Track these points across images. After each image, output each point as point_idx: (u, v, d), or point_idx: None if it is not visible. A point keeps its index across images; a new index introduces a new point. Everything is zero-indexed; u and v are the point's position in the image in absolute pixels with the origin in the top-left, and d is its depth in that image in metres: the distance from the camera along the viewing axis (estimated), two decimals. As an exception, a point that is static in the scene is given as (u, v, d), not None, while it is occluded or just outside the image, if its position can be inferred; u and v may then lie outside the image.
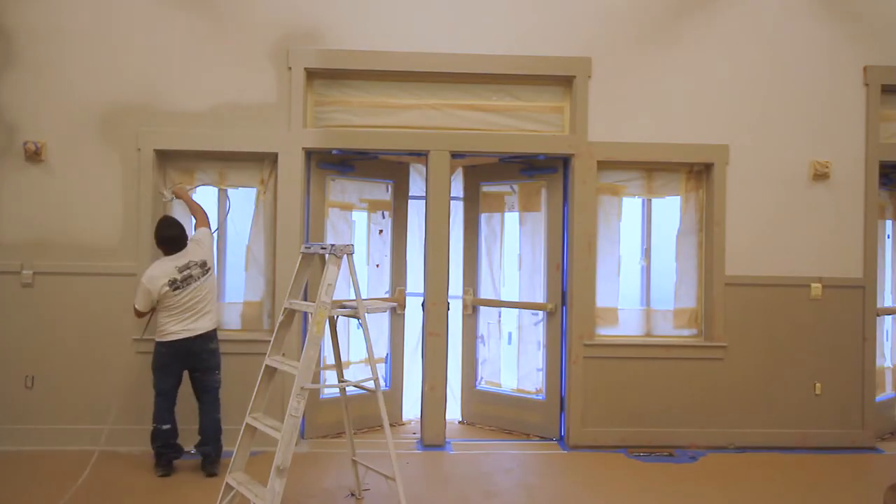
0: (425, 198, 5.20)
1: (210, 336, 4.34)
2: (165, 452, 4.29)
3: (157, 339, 4.29)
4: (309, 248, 3.68)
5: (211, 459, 4.32)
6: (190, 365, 4.33)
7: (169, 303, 4.22)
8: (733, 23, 5.08)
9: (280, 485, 3.22)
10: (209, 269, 4.36)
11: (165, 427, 4.27)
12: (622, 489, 4.20)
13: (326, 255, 3.51)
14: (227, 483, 3.53)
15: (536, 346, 5.35)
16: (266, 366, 3.64)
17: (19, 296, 4.73)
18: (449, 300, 5.07)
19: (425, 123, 5.04)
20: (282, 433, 3.27)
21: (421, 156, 5.16)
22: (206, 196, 5.06)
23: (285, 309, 3.68)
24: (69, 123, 4.78)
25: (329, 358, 5.16)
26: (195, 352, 4.28)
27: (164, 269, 4.25)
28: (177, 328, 4.23)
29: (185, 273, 4.25)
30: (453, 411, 5.54)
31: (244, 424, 3.63)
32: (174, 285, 4.21)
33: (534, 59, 4.98)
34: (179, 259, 4.29)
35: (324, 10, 4.91)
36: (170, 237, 4.33)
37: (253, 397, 3.67)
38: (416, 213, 5.79)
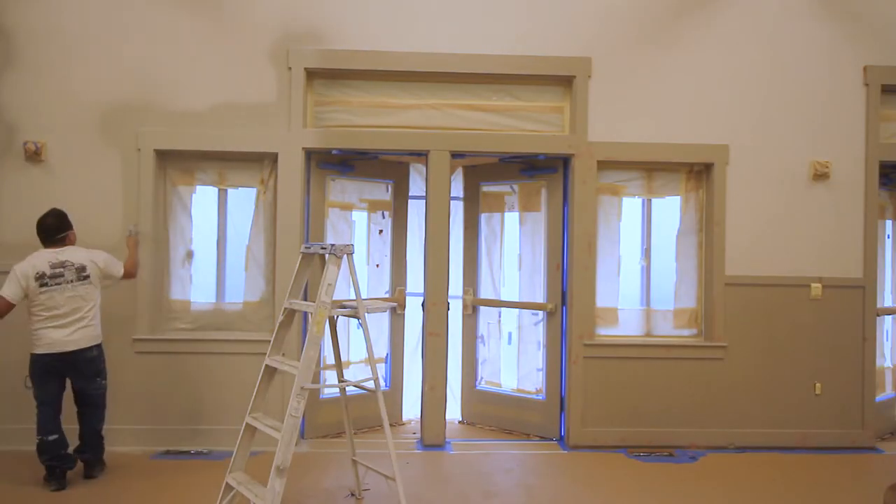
0: (425, 198, 5.20)
1: (87, 348, 4.09)
2: (56, 465, 4.03)
3: (32, 351, 4.05)
4: (309, 247, 3.67)
5: (90, 464, 4.19)
6: (68, 374, 4.11)
7: (37, 301, 3.98)
8: (733, 23, 5.08)
9: (280, 484, 3.22)
10: (88, 276, 4.08)
11: (52, 438, 4.01)
12: (622, 489, 4.20)
13: (326, 255, 3.51)
14: (226, 483, 3.53)
15: (536, 346, 5.35)
16: (266, 366, 3.64)
17: (19, 296, 4.73)
18: (449, 300, 5.07)
19: (425, 123, 5.04)
20: (282, 433, 3.27)
21: (421, 156, 5.16)
22: (206, 196, 5.06)
23: (285, 309, 3.68)
24: (69, 123, 4.78)
25: (329, 358, 5.16)
26: (70, 362, 4.04)
27: (36, 261, 4.01)
28: (53, 337, 3.98)
29: (56, 270, 3.99)
30: (453, 411, 5.54)
31: (244, 424, 3.62)
32: (41, 280, 3.95)
33: (534, 59, 4.98)
34: (57, 255, 4.05)
35: (324, 10, 4.91)
36: (41, 224, 4.11)
37: (253, 397, 3.67)
38: (416, 213, 5.79)
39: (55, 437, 4.03)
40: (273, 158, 4.92)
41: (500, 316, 5.56)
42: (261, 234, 5.01)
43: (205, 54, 4.85)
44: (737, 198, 5.07)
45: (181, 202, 5.00)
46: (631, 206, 5.28)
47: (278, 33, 4.88)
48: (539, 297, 5.32)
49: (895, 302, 5.67)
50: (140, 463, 4.49)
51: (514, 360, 5.48)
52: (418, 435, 5.17)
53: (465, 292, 5.63)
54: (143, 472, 4.32)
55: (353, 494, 4.00)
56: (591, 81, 5.02)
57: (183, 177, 4.99)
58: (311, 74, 4.96)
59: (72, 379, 4.15)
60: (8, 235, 4.76)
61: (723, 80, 5.07)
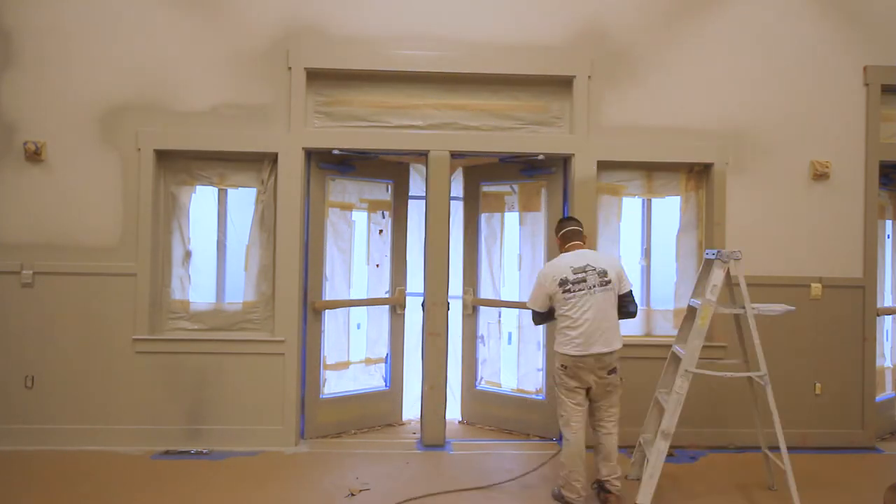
0: (425, 198, 5.19)
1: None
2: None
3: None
4: (719, 255, 4.06)
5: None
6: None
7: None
8: (733, 23, 5.08)
9: (665, 446, 3.87)
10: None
11: None
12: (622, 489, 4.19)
13: (714, 260, 4.01)
14: (638, 442, 4.29)
15: (536, 346, 5.34)
16: (672, 353, 4.26)
17: (19, 296, 4.73)
18: (449, 300, 5.06)
19: (425, 123, 5.04)
20: (667, 405, 3.95)
21: (421, 156, 5.15)
22: (205, 196, 5.06)
23: (689, 306, 4.25)
24: (69, 123, 4.78)
25: (329, 358, 5.17)
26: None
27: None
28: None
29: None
30: (453, 411, 5.54)
31: (653, 399, 4.32)
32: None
33: (534, 59, 4.98)
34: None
35: (324, 11, 4.91)
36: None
37: (662, 375, 4.31)
38: (416, 213, 5.78)
39: None
40: (273, 158, 4.92)
41: (500, 316, 5.56)
42: (261, 234, 5.01)
43: (205, 54, 4.85)
44: (737, 198, 5.07)
45: (181, 202, 4.99)
46: (631, 206, 5.28)
47: (278, 33, 4.88)
48: (539, 297, 5.31)
49: (895, 302, 5.68)
50: (140, 463, 4.49)
51: (514, 360, 5.48)
52: (418, 435, 5.16)
53: (465, 292, 5.63)
54: (144, 472, 4.32)
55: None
56: (590, 81, 5.02)
57: (183, 177, 4.98)
58: (311, 74, 4.95)
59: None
60: (8, 235, 4.76)
61: (723, 80, 5.07)
